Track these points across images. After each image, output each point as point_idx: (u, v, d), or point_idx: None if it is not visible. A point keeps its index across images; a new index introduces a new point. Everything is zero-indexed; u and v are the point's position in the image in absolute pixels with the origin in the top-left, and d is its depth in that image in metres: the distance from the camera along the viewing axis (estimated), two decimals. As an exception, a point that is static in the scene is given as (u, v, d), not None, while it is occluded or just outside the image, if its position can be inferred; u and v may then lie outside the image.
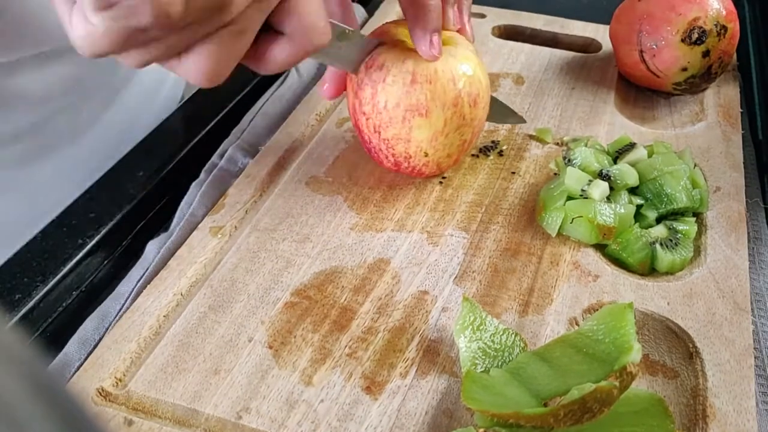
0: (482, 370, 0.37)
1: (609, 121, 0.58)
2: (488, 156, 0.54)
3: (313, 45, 0.37)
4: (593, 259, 0.45)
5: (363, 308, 0.42)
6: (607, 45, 0.66)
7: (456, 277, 0.44)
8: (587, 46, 0.70)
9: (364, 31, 0.66)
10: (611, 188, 0.47)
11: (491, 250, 0.46)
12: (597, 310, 0.42)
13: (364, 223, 0.48)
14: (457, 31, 0.48)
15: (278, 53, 0.37)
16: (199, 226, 0.47)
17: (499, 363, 0.38)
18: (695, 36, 0.56)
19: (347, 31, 0.44)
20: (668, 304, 0.42)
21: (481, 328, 0.38)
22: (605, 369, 0.34)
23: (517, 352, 0.38)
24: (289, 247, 0.46)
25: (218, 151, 0.55)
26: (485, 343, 0.38)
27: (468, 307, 0.39)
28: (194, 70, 0.34)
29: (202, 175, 0.52)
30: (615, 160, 0.50)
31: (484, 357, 0.38)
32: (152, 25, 0.30)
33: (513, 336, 0.39)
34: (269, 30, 0.37)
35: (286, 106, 0.61)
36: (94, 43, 0.31)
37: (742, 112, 0.60)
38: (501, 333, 0.39)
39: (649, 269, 0.45)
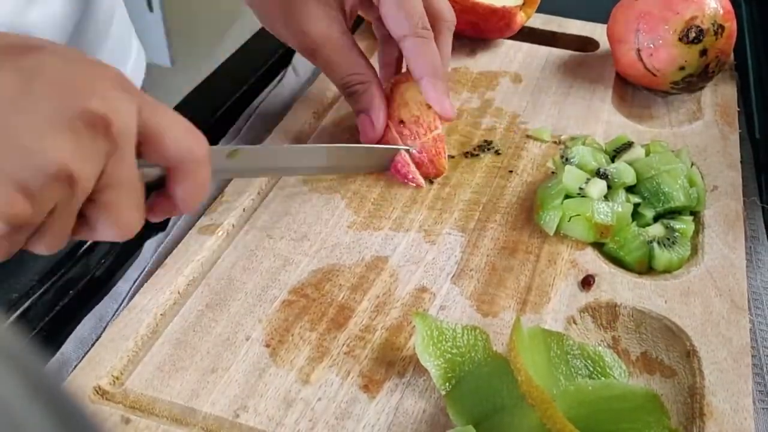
0: (456, 381, 0.36)
1: (606, 120, 0.58)
2: (486, 155, 0.54)
3: (198, 165, 0.36)
4: (591, 257, 0.45)
5: (361, 306, 0.42)
6: (604, 44, 0.66)
7: (453, 276, 0.44)
8: (585, 45, 0.70)
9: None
10: (609, 187, 0.47)
11: (489, 249, 0.46)
12: (594, 308, 0.42)
13: (362, 221, 0.48)
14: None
15: (180, 191, 0.36)
16: (197, 224, 0.47)
17: (468, 365, 0.37)
18: (692, 35, 0.56)
19: (237, 150, 0.43)
20: (666, 302, 0.42)
21: (441, 339, 0.37)
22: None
23: (481, 346, 0.37)
24: (287, 245, 0.46)
25: None
26: (451, 353, 0.37)
27: (421, 321, 0.37)
28: (103, 234, 0.34)
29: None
30: (612, 159, 0.51)
31: (454, 367, 0.36)
32: (9, 229, 0.30)
33: (473, 332, 0.38)
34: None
35: (283, 105, 0.61)
36: None
37: (739, 111, 0.60)
38: (461, 335, 0.37)
39: (647, 268, 0.45)
